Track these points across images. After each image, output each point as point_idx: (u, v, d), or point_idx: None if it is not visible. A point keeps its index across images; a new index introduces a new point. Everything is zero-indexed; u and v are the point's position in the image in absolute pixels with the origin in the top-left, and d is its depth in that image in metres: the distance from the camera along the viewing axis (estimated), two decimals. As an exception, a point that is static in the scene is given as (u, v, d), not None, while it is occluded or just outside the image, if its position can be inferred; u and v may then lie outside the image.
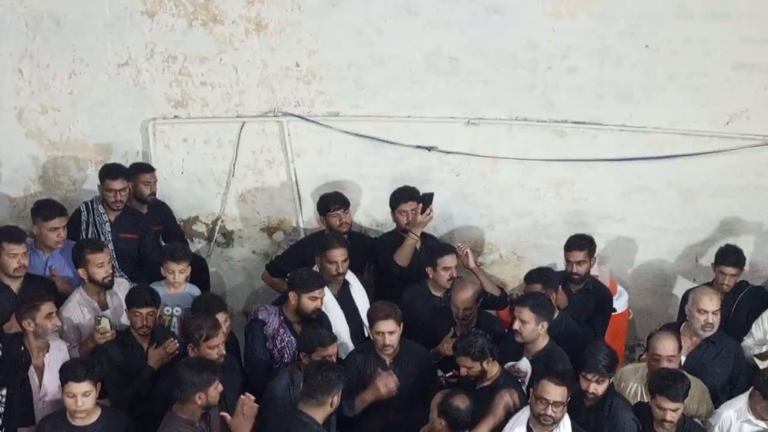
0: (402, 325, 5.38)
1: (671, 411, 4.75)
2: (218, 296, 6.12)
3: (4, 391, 5.08)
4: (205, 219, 7.27)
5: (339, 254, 5.82)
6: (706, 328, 5.47)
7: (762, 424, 5.05)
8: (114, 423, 4.86)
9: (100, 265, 5.59)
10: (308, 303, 5.44)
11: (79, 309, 5.64)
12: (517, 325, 5.26)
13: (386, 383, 5.20)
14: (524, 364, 5.36)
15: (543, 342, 5.32)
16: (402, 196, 6.33)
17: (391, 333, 5.30)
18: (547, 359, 5.27)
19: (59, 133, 7.00)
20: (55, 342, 5.21)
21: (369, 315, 5.51)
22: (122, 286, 5.90)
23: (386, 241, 6.45)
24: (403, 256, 6.16)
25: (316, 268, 5.96)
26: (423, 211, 6.16)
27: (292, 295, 5.51)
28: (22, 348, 5.15)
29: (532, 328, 5.23)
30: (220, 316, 5.40)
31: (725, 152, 6.56)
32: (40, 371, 5.13)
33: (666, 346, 5.23)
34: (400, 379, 5.33)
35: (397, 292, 6.03)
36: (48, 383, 5.11)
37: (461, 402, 4.85)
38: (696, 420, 5.14)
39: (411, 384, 5.34)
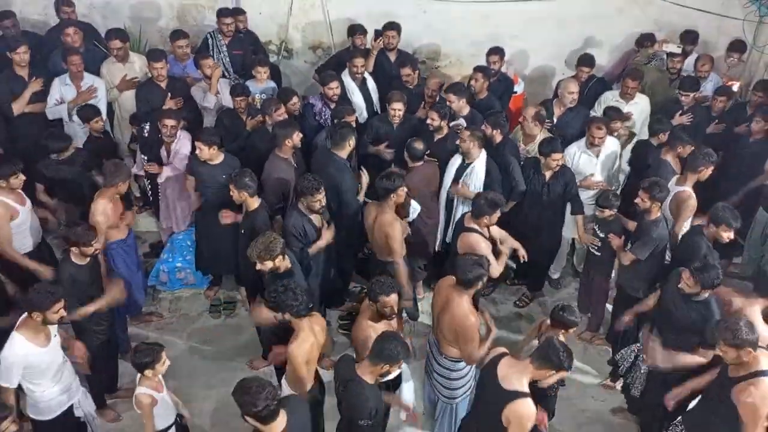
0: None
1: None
2: (293, 89, 7.90)
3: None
4: (276, 41, 9.33)
5: (359, 62, 7.89)
6: (572, 102, 7.66)
7: (590, 153, 6.99)
8: (232, 163, 6.55)
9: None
10: (328, 92, 7.46)
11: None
12: (451, 104, 7.16)
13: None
14: (461, 121, 7.29)
15: (466, 109, 7.39)
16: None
17: (399, 109, 7.22)
18: (472, 115, 7.35)
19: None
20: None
21: (389, 97, 7.20)
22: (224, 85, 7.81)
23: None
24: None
25: (346, 72, 7.92)
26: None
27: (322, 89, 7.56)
28: None
29: (458, 105, 7.30)
30: (294, 98, 7.22)
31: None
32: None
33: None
34: (401, 136, 7.05)
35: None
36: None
37: (418, 143, 6.48)
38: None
39: (411, 137, 6.91)
